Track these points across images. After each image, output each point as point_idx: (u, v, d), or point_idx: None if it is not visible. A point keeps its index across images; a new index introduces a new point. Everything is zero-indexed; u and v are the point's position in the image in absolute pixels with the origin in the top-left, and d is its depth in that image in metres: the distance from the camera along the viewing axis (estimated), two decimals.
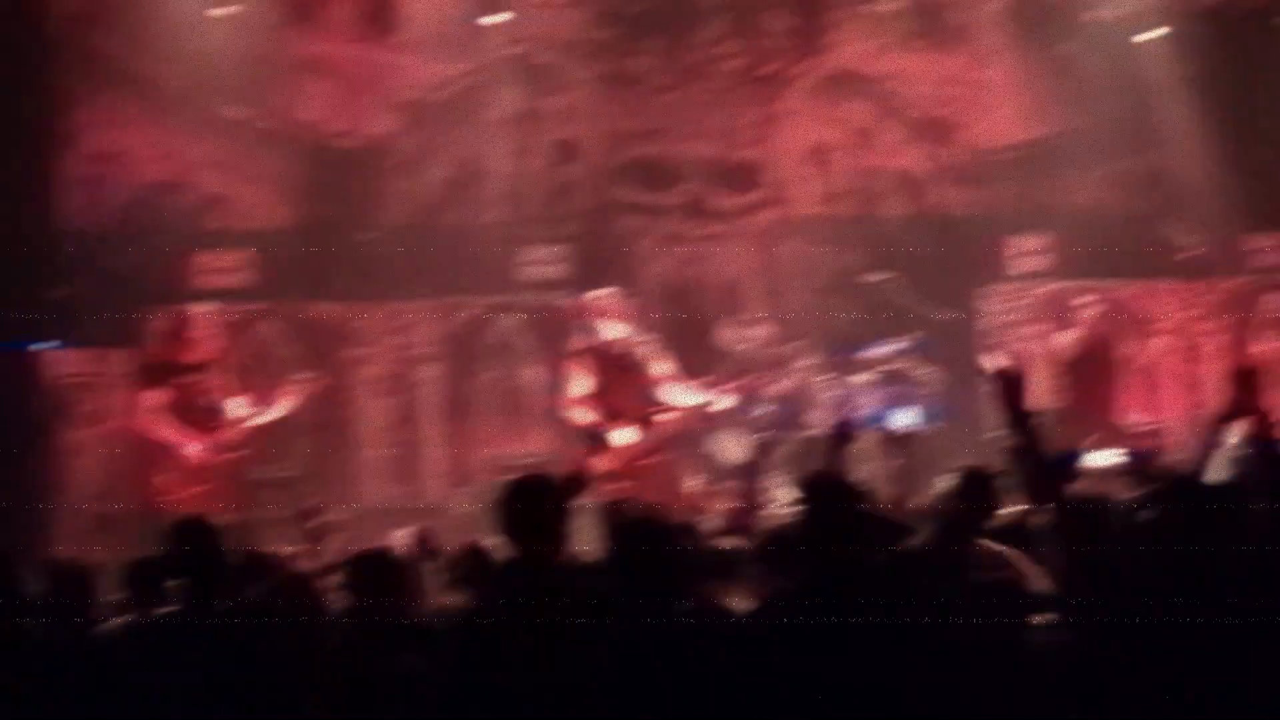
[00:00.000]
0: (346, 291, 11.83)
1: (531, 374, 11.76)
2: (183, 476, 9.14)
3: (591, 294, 9.93)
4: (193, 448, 9.14)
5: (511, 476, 4.58)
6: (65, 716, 4.31)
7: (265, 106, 12.27)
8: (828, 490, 4.54)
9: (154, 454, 9.35)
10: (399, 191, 12.74)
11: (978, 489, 5.57)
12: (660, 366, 9.68)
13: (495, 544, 5.14)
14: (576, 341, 9.79)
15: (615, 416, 9.22)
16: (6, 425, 10.48)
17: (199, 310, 9.69)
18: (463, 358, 11.80)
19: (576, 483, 4.75)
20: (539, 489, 4.42)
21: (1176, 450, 11.34)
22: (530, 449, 11.38)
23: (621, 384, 9.34)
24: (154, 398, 9.30)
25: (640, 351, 9.63)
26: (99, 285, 11.25)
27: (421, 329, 11.74)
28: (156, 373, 9.55)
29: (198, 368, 9.39)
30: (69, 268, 11.33)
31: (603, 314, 9.61)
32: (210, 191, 12.08)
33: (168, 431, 9.19)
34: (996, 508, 5.61)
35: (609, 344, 9.41)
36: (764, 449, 11.03)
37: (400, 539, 6.22)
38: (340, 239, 12.20)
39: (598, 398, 9.33)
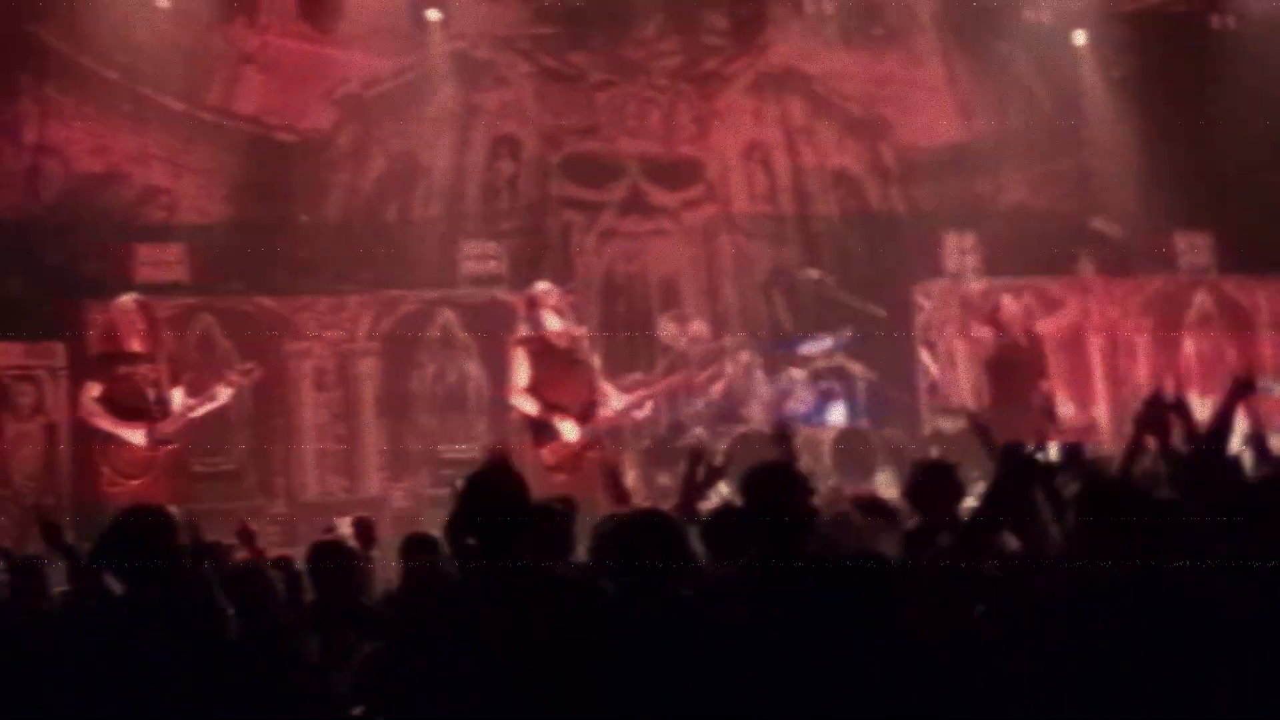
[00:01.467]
0: (286, 285, 11.83)
1: (471, 368, 11.80)
2: (123, 468, 9.12)
3: (535, 287, 9.94)
4: (133, 438, 9.11)
5: (471, 470, 4.59)
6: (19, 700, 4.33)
7: (205, 99, 12.24)
8: (772, 481, 4.60)
9: (95, 446, 9.32)
10: (338, 185, 12.75)
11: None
12: (598, 361, 9.75)
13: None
14: (520, 333, 9.80)
15: (557, 409, 9.25)
16: None
17: (137, 301, 9.62)
18: (402, 351, 11.82)
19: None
20: (502, 481, 4.39)
21: (1105, 446, 11.63)
22: (469, 443, 11.45)
23: (563, 377, 9.35)
24: (94, 390, 9.26)
25: (581, 346, 9.68)
26: (37, 277, 11.20)
27: (361, 322, 11.75)
28: (96, 365, 9.51)
29: (137, 359, 9.33)
30: (6, 260, 11.27)
31: (545, 307, 9.62)
32: (149, 183, 12.03)
33: (107, 423, 9.16)
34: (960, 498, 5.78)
35: (551, 336, 9.44)
36: (701, 443, 11.22)
37: (340, 528, 6.26)
38: (279, 232, 12.21)
39: (540, 390, 9.34)
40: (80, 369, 9.90)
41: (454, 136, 12.99)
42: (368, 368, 11.72)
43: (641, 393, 9.99)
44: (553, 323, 9.43)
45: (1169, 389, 6.28)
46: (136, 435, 9.13)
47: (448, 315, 11.89)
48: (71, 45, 11.72)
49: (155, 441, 9.16)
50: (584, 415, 9.24)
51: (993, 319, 11.52)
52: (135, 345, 9.35)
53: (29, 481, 10.62)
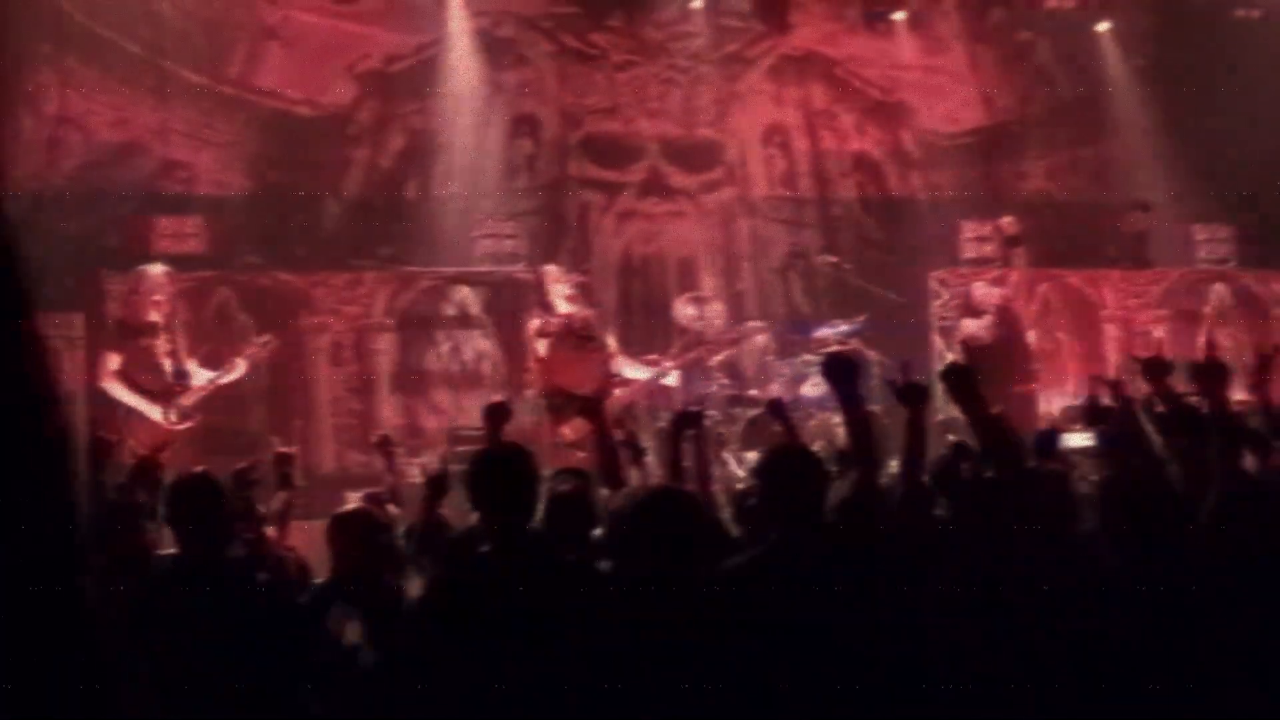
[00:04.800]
0: (303, 259, 11.85)
1: (487, 346, 11.82)
2: (145, 441, 9.10)
3: (548, 267, 9.99)
4: (153, 414, 9.12)
5: (483, 448, 4.60)
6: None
7: (226, 73, 12.25)
8: (787, 461, 4.60)
9: (116, 417, 9.32)
10: (358, 161, 12.75)
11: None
12: (613, 340, 9.79)
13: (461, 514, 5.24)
14: (534, 314, 9.82)
15: (572, 388, 9.28)
16: None
17: (156, 272, 9.61)
18: (418, 328, 11.83)
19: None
20: (514, 459, 4.41)
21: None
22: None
23: (578, 356, 9.40)
24: (113, 361, 9.26)
25: (595, 325, 9.72)
26: (55, 248, 11.19)
27: (378, 298, 11.77)
28: (115, 335, 9.51)
29: (155, 330, 9.35)
30: (25, 230, 11.27)
31: (560, 288, 9.66)
32: (169, 157, 12.05)
33: (128, 396, 9.17)
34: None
35: (566, 317, 9.48)
36: (712, 424, 11.23)
37: (352, 503, 6.23)
38: (298, 207, 12.23)
39: (555, 369, 9.40)
40: (99, 339, 9.86)
41: (474, 115, 12.97)
42: (384, 344, 11.73)
43: (666, 363, 10.02)
44: (563, 305, 9.51)
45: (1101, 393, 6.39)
46: (156, 412, 9.14)
47: (464, 293, 11.90)
48: (93, 17, 11.71)
49: (176, 417, 9.18)
50: (599, 394, 9.26)
51: (965, 305, 11.51)
52: (153, 316, 9.35)
53: None
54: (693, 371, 11.07)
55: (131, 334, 9.33)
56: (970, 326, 11.33)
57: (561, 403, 9.21)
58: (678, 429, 5.66)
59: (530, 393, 9.45)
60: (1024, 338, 11.58)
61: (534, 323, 9.72)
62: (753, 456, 10.26)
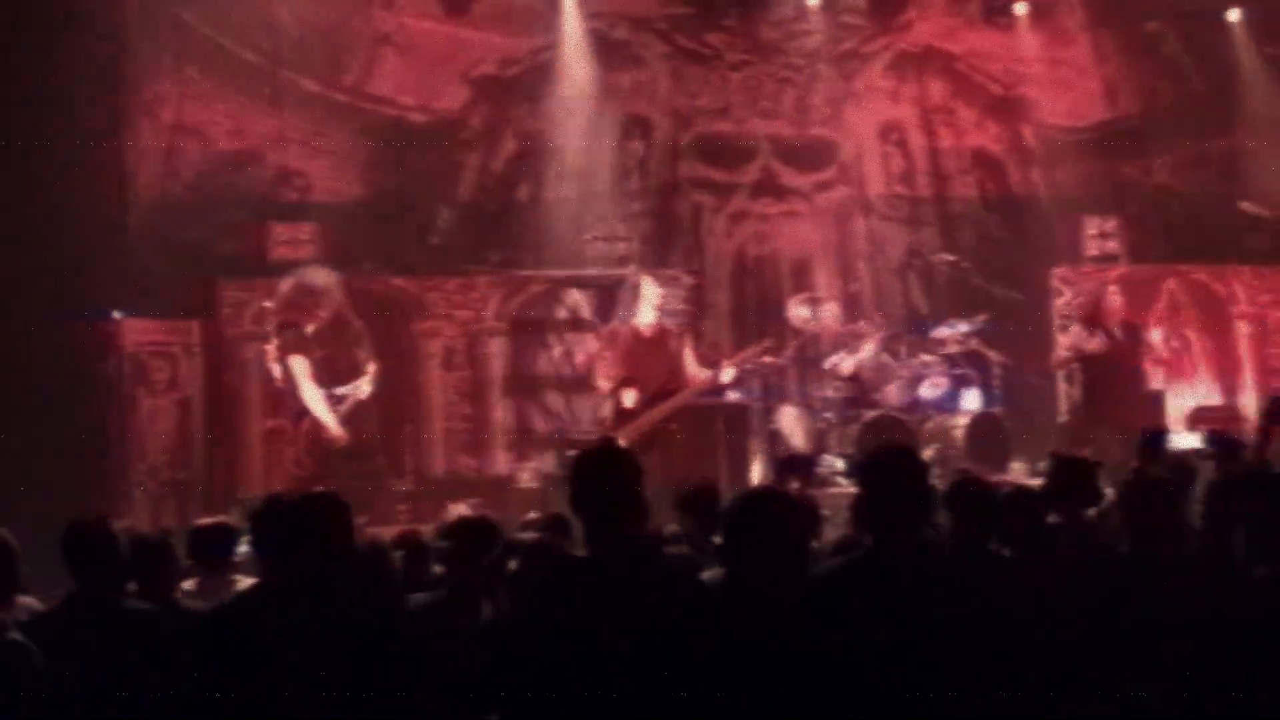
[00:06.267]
0: (416, 264, 11.92)
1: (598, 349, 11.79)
2: (312, 450, 9.27)
3: (646, 277, 10.13)
4: (327, 417, 9.29)
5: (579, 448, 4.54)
6: (156, 684, 4.34)
7: (342, 81, 12.35)
8: (887, 465, 4.47)
9: (288, 421, 9.45)
10: (471, 166, 12.78)
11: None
12: (690, 354, 9.95)
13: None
14: (613, 320, 10.03)
15: (638, 390, 9.56)
16: (84, 391, 10.62)
17: (321, 278, 9.76)
18: (530, 332, 11.85)
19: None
20: (609, 460, 4.31)
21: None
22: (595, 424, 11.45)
23: (642, 367, 9.63)
24: (303, 364, 9.38)
25: (669, 338, 9.87)
26: (174, 255, 11.38)
27: (490, 302, 11.81)
28: (300, 337, 9.57)
29: (323, 339, 9.54)
30: (144, 238, 11.46)
31: (651, 296, 9.85)
32: (284, 164, 12.17)
33: (318, 401, 9.28)
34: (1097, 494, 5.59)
35: (640, 327, 9.73)
36: (827, 427, 11.13)
37: (459, 512, 6.24)
38: (410, 212, 12.30)
39: (625, 373, 9.65)
40: (284, 341, 9.85)
41: (586, 117, 12.93)
42: (496, 347, 11.78)
43: (724, 363, 10.10)
44: (649, 314, 9.61)
45: None
46: (331, 420, 9.32)
47: (576, 296, 11.89)
48: (212, 27, 11.88)
49: (340, 427, 9.36)
50: (662, 395, 9.50)
51: (1092, 315, 11.23)
52: (316, 325, 9.53)
53: (163, 456, 10.82)
54: (807, 372, 11.00)
55: (304, 342, 9.46)
56: (1082, 338, 11.09)
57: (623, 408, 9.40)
58: (784, 472, 5.59)
59: (603, 388, 9.73)
60: (1143, 344, 11.32)
61: (602, 329, 10.19)
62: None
